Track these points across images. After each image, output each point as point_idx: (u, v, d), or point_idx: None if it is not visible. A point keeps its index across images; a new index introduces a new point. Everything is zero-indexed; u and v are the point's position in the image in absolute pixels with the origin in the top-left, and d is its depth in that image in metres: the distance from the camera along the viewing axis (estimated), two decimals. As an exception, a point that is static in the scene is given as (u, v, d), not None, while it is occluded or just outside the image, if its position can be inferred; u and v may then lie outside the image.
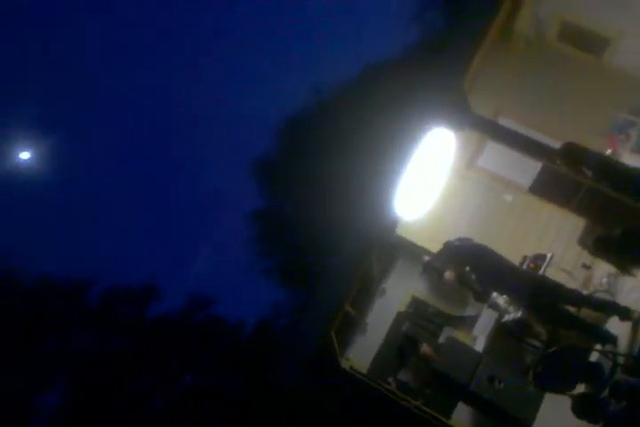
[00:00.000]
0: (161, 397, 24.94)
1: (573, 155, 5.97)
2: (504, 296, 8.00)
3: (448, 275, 8.97)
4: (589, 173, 5.84)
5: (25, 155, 32.16)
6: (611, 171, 5.78)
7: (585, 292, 7.14)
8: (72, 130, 35.38)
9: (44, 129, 33.20)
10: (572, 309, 6.72)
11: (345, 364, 8.65)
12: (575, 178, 6.94)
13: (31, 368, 23.56)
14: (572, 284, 7.73)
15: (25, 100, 34.42)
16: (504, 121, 8.78)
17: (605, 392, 4.56)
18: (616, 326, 6.05)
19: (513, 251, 8.38)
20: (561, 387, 5.11)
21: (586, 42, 8.99)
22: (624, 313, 5.86)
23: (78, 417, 23.02)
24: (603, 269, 7.56)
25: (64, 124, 34.96)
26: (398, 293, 9.78)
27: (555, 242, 8.71)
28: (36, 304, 24.35)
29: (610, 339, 5.82)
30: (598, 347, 5.69)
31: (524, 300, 6.65)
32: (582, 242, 7.97)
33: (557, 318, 6.46)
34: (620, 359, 4.99)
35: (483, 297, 7.77)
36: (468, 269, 7.30)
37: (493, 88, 9.17)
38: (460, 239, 7.26)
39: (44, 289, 25.43)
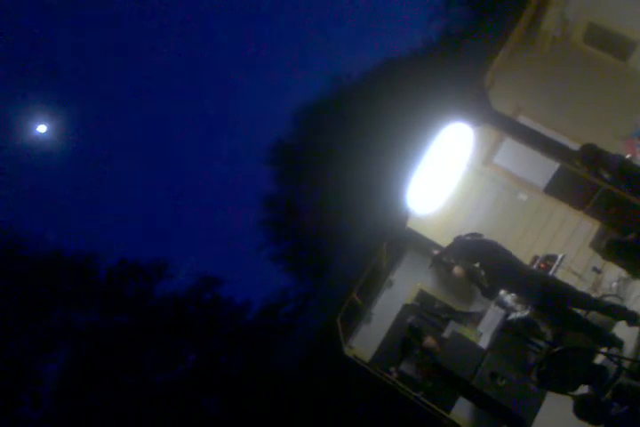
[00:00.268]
0: (162, 373, 25.19)
1: (593, 156, 5.95)
2: (512, 294, 8.01)
3: (457, 270, 9.00)
4: (608, 175, 5.82)
5: (42, 128, 32.32)
6: (631, 174, 5.75)
7: (594, 295, 7.14)
8: (91, 104, 35.51)
9: (62, 102, 33.33)
10: (579, 311, 6.73)
11: (348, 351, 8.70)
12: (591, 180, 6.90)
13: (37, 338, 23.85)
14: (581, 286, 7.74)
15: (44, 74, 34.56)
16: (523, 120, 8.74)
17: (608, 395, 4.58)
18: (623, 330, 6.05)
19: (524, 250, 8.41)
20: (563, 387, 5.13)
21: (611, 44, 8.92)
22: (632, 318, 5.87)
23: (78, 390, 23.26)
24: (613, 274, 7.56)
25: (83, 99, 35.10)
26: (406, 285, 9.79)
27: (567, 244, 8.71)
28: (46, 276, 24.58)
29: (616, 343, 5.82)
30: (604, 350, 5.69)
31: (533, 299, 6.67)
32: (595, 245, 7.94)
33: (565, 319, 6.47)
34: (625, 363, 5.00)
35: (490, 293, 7.76)
36: (477, 265, 7.31)
37: (515, 86, 9.13)
38: (471, 234, 7.26)
39: (54, 262, 25.64)
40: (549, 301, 6.41)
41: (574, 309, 6.55)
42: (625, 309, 6.07)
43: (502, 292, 8.46)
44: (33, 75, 34.16)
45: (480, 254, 7.08)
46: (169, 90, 38.25)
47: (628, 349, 5.55)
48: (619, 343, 5.77)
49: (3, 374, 22.81)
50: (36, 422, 22.93)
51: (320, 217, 18.59)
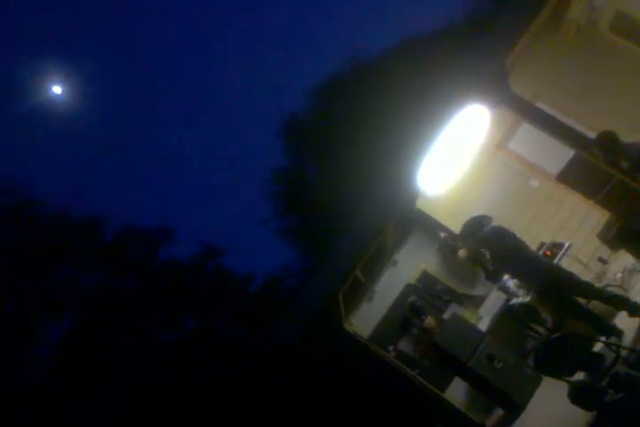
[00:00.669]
0: (162, 337, 25.51)
1: (611, 143, 5.89)
2: (515, 280, 8.04)
3: (462, 252, 9.02)
4: (625, 164, 5.77)
5: (57, 89, 32.28)
6: None
7: (598, 285, 7.15)
8: (106, 67, 35.36)
9: (78, 64, 33.22)
10: (581, 300, 6.74)
11: (348, 327, 8.77)
12: (605, 170, 6.85)
13: (41, 298, 24.12)
14: (585, 276, 7.73)
15: (61, 35, 34.39)
16: (540, 106, 8.66)
17: (604, 382, 4.62)
18: (623, 321, 6.07)
19: (531, 236, 8.37)
20: (560, 372, 5.16)
21: (638, 35, 8.78)
22: (634, 309, 5.88)
23: (79, 350, 23.58)
24: (618, 265, 7.55)
25: (99, 60, 34.95)
26: (409, 265, 9.81)
27: (574, 233, 8.68)
28: (53, 236, 24.78)
29: (615, 333, 5.85)
30: (603, 338, 5.72)
31: (536, 286, 6.69)
32: (602, 236, 7.93)
33: (566, 307, 6.49)
34: (623, 352, 5.03)
35: (494, 278, 7.80)
36: (484, 248, 7.31)
37: (535, 71, 9.01)
38: (482, 217, 7.25)
39: (63, 222, 25.82)
40: (552, 288, 6.42)
41: (576, 298, 6.57)
42: (627, 299, 6.08)
43: (505, 277, 8.49)
44: (49, 35, 34.04)
45: (487, 238, 7.08)
46: (184, 55, 38.07)
47: (628, 339, 5.57)
48: (618, 333, 5.79)
49: (7, 332, 23.15)
50: (39, 382, 23.24)
51: (329, 193, 18.59)
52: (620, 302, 6.09)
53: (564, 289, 6.41)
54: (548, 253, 7.89)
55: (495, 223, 7.34)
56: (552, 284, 6.40)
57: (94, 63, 34.94)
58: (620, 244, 6.20)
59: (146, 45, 37.38)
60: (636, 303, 5.95)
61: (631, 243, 5.98)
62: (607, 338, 5.86)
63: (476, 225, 7.09)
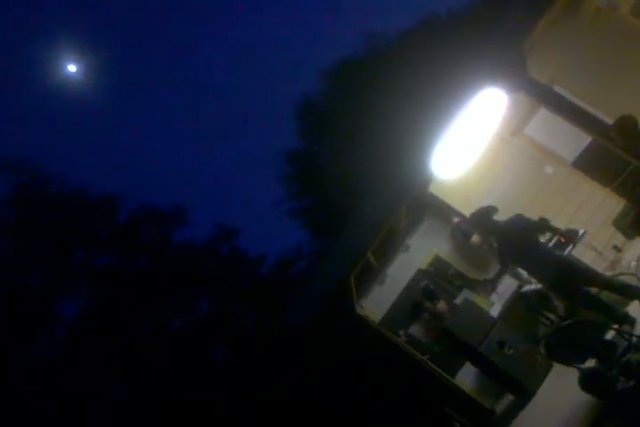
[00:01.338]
0: (175, 320, 25.71)
1: (632, 127, 5.80)
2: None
3: (475, 238, 8.99)
4: None
5: (72, 68, 32.28)
6: None
7: (610, 273, 7.08)
8: (122, 44, 35.29)
9: (94, 43, 33.18)
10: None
11: (360, 311, 8.79)
12: (622, 157, 6.77)
13: (57, 276, 24.33)
14: (599, 263, 7.67)
15: (75, 12, 34.29)
16: (558, 90, 8.55)
17: (615, 370, 4.60)
18: (637, 310, 6.03)
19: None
20: (571, 359, 5.15)
21: (660, 18, 8.63)
22: None
23: (93, 329, 23.81)
24: (633, 253, 7.49)
25: (114, 39, 34.86)
26: (422, 250, 9.79)
27: (589, 220, 8.59)
28: (67, 215, 24.91)
29: (628, 321, 5.80)
30: (616, 326, 5.69)
31: (546, 281, 6.54)
32: (618, 223, 7.86)
33: (577, 297, 6.41)
34: (636, 340, 5.01)
35: (505, 266, 7.58)
36: (493, 238, 7.21)
37: (553, 55, 8.87)
38: (488, 207, 7.17)
39: (77, 201, 25.90)
40: (563, 282, 6.32)
41: (587, 288, 6.48)
42: (638, 288, 6.02)
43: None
44: (64, 13, 33.96)
45: (497, 229, 6.98)
46: (197, 38, 37.87)
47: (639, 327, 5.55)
48: (632, 321, 5.75)
49: (21, 311, 23.39)
50: (50, 361, 23.53)
51: (342, 176, 18.55)
52: (631, 292, 6.04)
53: (575, 281, 6.33)
54: (563, 239, 7.80)
55: (510, 211, 7.25)
56: (563, 277, 6.31)
57: (110, 40, 34.88)
58: (635, 231, 6.12)
59: (162, 26, 37.21)
60: None
61: None
62: (620, 326, 5.83)
63: (483, 216, 7.03)
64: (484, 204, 7.55)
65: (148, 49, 37.13)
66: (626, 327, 5.70)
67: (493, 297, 8.66)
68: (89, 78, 32.83)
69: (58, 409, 21.21)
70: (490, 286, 8.90)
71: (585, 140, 8.47)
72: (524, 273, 8.19)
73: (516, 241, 6.72)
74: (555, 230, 6.94)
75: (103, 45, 33.82)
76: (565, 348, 5.11)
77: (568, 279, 6.28)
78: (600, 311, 6.20)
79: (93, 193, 26.60)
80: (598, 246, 8.19)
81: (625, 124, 5.89)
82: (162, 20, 36.94)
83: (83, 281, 25.19)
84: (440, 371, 8.30)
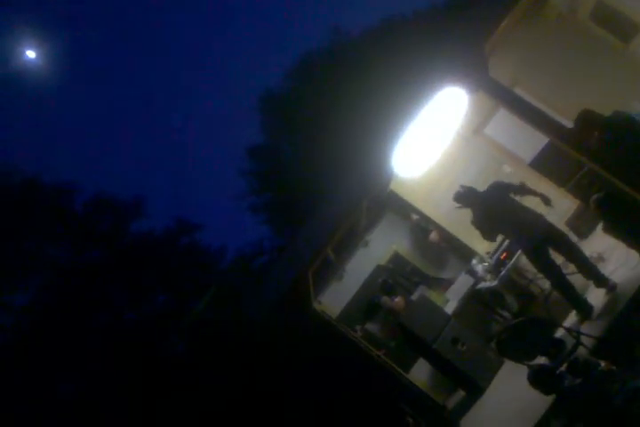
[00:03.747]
0: (131, 311, 25.33)
1: (592, 118, 5.91)
2: (484, 264, 8.12)
3: (433, 235, 9.09)
4: (607, 135, 5.74)
5: (31, 53, 31.52)
6: (634, 128, 5.63)
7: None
8: (80, 30, 34.57)
9: (51, 28, 32.45)
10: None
11: (317, 306, 8.80)
12: (577, 158, 6.89)
13: (6, 266, 23.69)
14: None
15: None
16: (519, 92, 8.67)
17: (563, 367, 4.70)
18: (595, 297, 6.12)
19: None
20: (521, 356, 5.24)
21: (616, 25, 8.80)
22: (602, 280, 5.97)
23: (43, 322, 23.30)
24: (586, 252, 7.62)
25: (72, 24, 34.16)
26: (381, 246, 9.88)
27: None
28: (21, 204, 24.25)
29: (585, 307, 5.90)
30: (565, 324, 5.81)
31: (531, 242, 6.41)
32: (571, 224, 8.04)
33: (547, 267, 6.33)
34: (585, 339, 5.13)
35: (491, 235, 7.33)
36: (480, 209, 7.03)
37: (514, 57, 9.02)
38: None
39: (30, 191, 25.24)
40: (545, 247, 6.27)
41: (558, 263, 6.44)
42: (599, 271, 6.08)
43: (474, 261, 8.57)
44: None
45: (485, 199, 6.95)
46: (159, 28, 37.38)
47: (589, 325, 5.67)
48: (588, 309, 5.85)
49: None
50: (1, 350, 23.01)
51: (304, 171, 18.53)
52: (593, 272, 6.07)
53: (559, 248, 6.32)
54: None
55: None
56: (549, 240, 6.28)
57: (68, 27, 34.16)
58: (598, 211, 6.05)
59: (128, 11, 36.59)
60: (604, 276, 6.02)
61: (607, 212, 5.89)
62: (577, 311, 5.95)
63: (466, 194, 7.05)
64: (445, 201, 7.62)
65: (111, 36, 36.53)
66: (581, 314, 5.81)
67: (448, 294, 8.77)
68: (48, 65, 32.13)
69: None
70: (446, 282, 9.03)
71: (542, 140, 8.61)
72: (479, 271, 8.33)
73: (502, 203, 6.76)
74: (534, 192, 7.05)
75: (63, 32, 33.14)
76: (516, 345, 5.20)
77: (553, 244, 6.29)
78: (562, 289, 6.15)
79: (48, 182, 26.03)
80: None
81: (586, 115, 6.00)
82: (126, 11, 36.36)
83: (33, 272, 24.51)
84: (394, 366, 8.38)
